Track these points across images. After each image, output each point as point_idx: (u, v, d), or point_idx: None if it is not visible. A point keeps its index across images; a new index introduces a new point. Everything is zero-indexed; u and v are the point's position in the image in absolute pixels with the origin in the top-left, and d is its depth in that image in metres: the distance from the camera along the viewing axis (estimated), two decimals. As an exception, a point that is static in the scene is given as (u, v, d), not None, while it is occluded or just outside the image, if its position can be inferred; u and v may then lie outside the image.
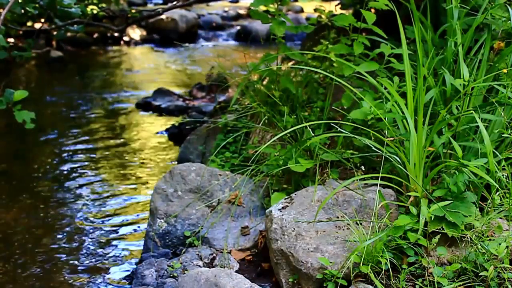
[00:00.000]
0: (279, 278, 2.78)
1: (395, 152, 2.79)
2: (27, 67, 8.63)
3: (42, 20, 6.04)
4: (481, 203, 2.71)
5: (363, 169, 3.09)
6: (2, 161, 5.14)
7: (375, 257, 2.50)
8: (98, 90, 7.57)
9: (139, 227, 3.98)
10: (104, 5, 8.71)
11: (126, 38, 10.64)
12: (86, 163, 5.12)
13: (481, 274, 2.40)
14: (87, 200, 4.40)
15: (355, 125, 3.01)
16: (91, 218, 4.11)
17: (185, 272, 2.96)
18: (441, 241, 2.56)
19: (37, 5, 5.31)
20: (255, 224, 3.26)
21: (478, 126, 2.70)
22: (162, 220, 3.31)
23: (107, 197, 4.46)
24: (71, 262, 3.54)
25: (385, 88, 3.05)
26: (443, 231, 2.54)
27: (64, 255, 3.62)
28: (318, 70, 3.38)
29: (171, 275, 3.01)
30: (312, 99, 3.96)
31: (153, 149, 5.46)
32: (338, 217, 2.79)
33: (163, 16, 10.42)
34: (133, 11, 8.81)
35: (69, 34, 9.17)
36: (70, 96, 7.25)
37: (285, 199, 3.01)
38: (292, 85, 3.82)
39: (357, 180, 2.83)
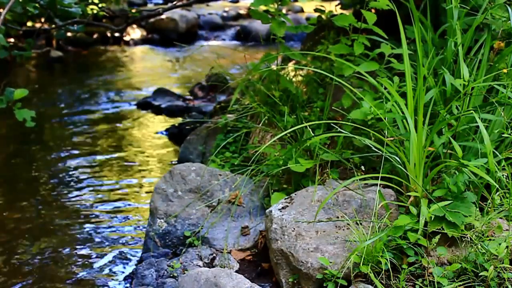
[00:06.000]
0: (279, 278, 2.78)
1: (395, 152, 2.79)
2: (27, 67, 8.62)
3: (42, 20, 6.05)
4: (481, 203, 2.71)
5: (363, 169, 3.09)
6: (2, 161, 5.14)
7: (375, 257, 2.50)
8: (98, 90, 7.57)
9: (139, 227, 3.98)
10: (104, 5, 8.71)
11: (126, 38, 10.64)
12: (86, 163, 5.12)
13: (481, 274, 2.40)
14: (86, 200, 4.40)
15: (355, 125, 3.01)
16: (91, 218, 4.11)
17: (185, 272, 2.97)
18: (441, 241, 2.56)
19: (37, 5, 5.31)
20: (255, 224, 3.26)
21: (478, 126, 2.70)
22: (162, 220, 3.31)
23: (107, 197, 4.46)
24: (71, 262, 3.55)
25: (385, 88, 3.05)
26: (443, 231, 2.54)
27: (64, 255, 3.62)
28: (318, 70, 3.38)
29: (171, 275, 3.01)
30: (312, 99, 3.96)
31: (153, 149, 5.46)
32: (338, 217, 2.79)
33: (163, 16, 10.42)
34: (133, 11, 8.81)
35: (69, 34, 9.17)
36: (70, 96, 7.25)
37: (285, 199, 3.01)
38: (292, 85, 3.82)
39: (357, 180, 2.83)
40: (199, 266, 3.04)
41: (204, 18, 11.65)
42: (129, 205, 4.33)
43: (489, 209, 2.63)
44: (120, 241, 3.79)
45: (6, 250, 3.67)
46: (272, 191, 3.31)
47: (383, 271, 2.48)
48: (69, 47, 9.79)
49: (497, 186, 2.58)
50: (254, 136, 3.88)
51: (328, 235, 2.71)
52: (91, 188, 4.60)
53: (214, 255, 3.12)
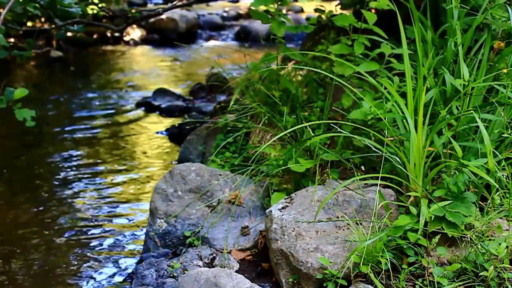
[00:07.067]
0: (279, 278, 2.78)
1: (395, 152, 2.79)
2: (27, 67, 8.63)
3: (42, 20, 6.05)
4: (481, 203, 2.71)
5: (363, 169, 3.09)
6: (2, 161, 5.14)
7: (375, 257, 2.50)
8: (98, 90, 7.57)
9: (139, 227, 3.98)
10: (104, 5, 8.71)
11: (126, 38, 10.64)
12: (86, 163, 5.12)
13: (481, 274, 2.40)
14: (86, 200, 4.40)
15: (355, 125, 3.01)
16: (91, 218, 4.11)
17: (185, 272, 2.97)
18: (441, 241, 2.56)
19: (37, 5, 5.31)
20: (255, 224, 3.26)
21: (478, 126, 2.70)
22: (162, 220, 3.31)
23: (107, 197, 4.46)
24: (71, 262, 3.55)
25: (385, 88, 3.05)
26: (443, 231, 2.54)
27: (64, 255, 3.62)
28: (318, 70, 3.38)
29: (171, 275, 3.01)
30: (312, 99, 3.96)
31: (153, 149, 5.46)
32: (338, 217, 2.79)
33: (163, 16, 10.41)
34: (133, 11, 8.82)
35: (69, 34, 9.17)
36: (70, 96, 7.25)
37: (285, 199, 3.01)
38: (292, 85, 3.82)
39: (357, 180, 2.82)
40: (199, 266, 3.04)
41: (204, 18, 11.65)
42: (129, 205, 4.33)
43: (489, 209, 2.63)
44: (120, 241, 3.79)
45: (5, 249, 3.67)
46: (272, 191, 3.31)
47: (383, 271, 2.48)
48: (69, 47, 9.79)
49: (497, 186, 2.58)
50: (254, 136, 3.88)
51: (328, 235, 2.71)
52: (90, 188, 4.60)
53: (214, 255, 3.12)
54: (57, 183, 4.71)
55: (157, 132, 5.93)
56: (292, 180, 3.30)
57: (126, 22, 7.31)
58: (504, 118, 2.85)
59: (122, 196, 4.48)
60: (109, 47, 10.31)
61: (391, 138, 2.85)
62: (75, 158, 5.22)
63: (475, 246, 2.50)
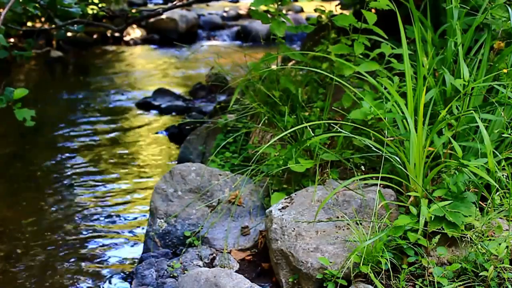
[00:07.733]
0: (279, 278, 2.78)
1: (395, 152, 2.79)
2: (27, 67, 8.63)
3: (42, 19, 6.04)
4: (481, 203, 2.71)
5: (363, 169, 3.09)
6: (2, 161, 5.14)
7: (375, 257, 2.50)
8: (98, 90, 7.57)
9: (139, 227, 3.98)
10: (104, 5, 8.71)
11: (126, 38, 10.64)
12: (86, 163, 5.12)
13: (481, 274, 2.40)
14: (86, 200, 4.40)
15: (355, 125, 3.01)
16: (91, 218, 4.11)
17: (185, 272, 2.97)
18: (441, 241, 2.56)
19: (37, 5, 5.31)
20: (255, 224, 3.26)
21: (478, 126, 2.70)
22: (162, 220, 3.31)
23: (107, 197, 4.46)
24: (71, 262, 3.55)
25: (385, 88, 3.05)
26: (443, 231, 2.54)
27: (64, 255, 3.62)
28: (318, 70, 3.38)
29: (171, 275, 3.01)
30: (312, 99, 3.96)
31: (153, 149, 5.46)
32: (338, 217, 2.79)
33: (163, 16, 10.42)
34: (133, 11, 8.81)
35: (69, 34, 9.18)
36: (70, 96, 7.25)
37: (285, 199, 3.01)
38: (292, 85, 3.82)
39: (357, 180, 2.82)
40: (199, 266, 3.04)
41: (204, 18, 11.65)
42: (129, 205, 4.33)
43: (489, 209, 2.63)
44: (120, 241, 3.79)
45: (4, 249, 3.67)
46: (272, 191, 3.31)
47: (383, 271, 2.48)
48: (69, 47, 9.79)
49: (497, 186, 2.58)
50: (254, 136, 3.88)
51: (328, 235, 2.71)
52: (90, 188, 4.60)
53: (214, 255, 3.12)
54: (56, 183, 4.71)
55: (157, 132, 5.93)
56: (292, 180, 3.30)
57: (126, 22, 7.30)
58: (504, 118, 2.85)
59: (122, 196, 4.48)
60: (109, 47, 10.31)
61: (391, 138, 2.85)
62: (74, 158, 5.22)
63: (475, 246, 2.50)
